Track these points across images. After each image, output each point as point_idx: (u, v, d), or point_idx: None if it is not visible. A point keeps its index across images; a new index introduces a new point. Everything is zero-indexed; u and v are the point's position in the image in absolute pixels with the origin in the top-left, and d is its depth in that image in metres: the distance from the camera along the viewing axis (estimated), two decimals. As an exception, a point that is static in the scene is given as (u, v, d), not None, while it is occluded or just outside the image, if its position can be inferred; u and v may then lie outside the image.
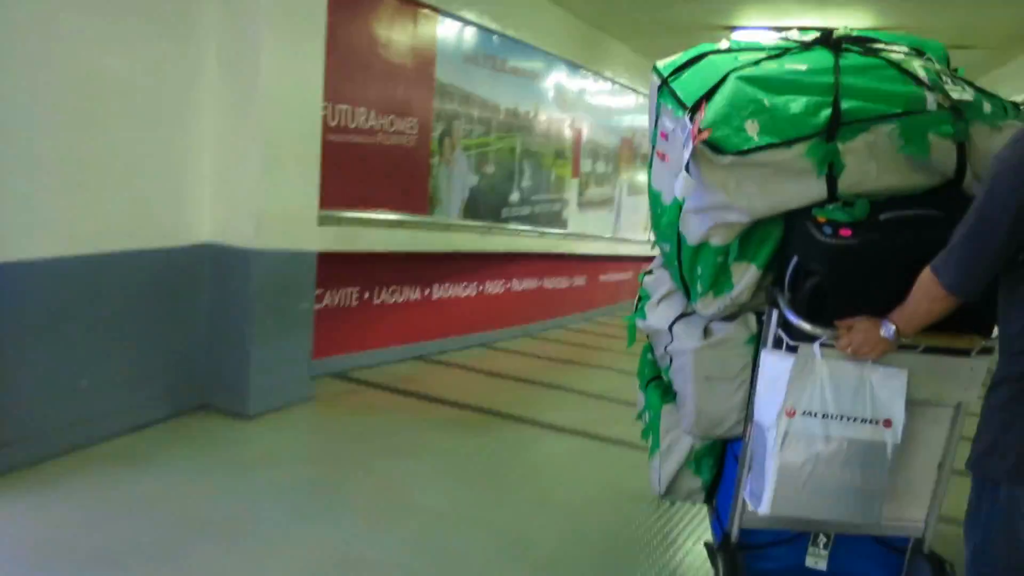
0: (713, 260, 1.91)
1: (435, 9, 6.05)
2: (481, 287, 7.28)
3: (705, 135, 1.68)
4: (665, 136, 2.00)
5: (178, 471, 3.54)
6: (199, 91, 4.19)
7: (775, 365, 1.85)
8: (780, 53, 1.92)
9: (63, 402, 3.57)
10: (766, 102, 1.73)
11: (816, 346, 1.79)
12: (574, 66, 8.66)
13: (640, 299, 2.46)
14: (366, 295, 5.78)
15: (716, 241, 1.87)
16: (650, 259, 2.60)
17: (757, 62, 1.87)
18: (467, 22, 6.49)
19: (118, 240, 3.82)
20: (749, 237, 1.87)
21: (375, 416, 4.75)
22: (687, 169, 1.71)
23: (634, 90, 10.94)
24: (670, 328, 2.18)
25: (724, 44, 2.04)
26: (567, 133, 8.70)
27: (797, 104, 1.73)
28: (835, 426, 1.80)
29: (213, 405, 4.41)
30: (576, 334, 8.90)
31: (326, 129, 4.82)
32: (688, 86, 1.91)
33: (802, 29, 2.05)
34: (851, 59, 1.85)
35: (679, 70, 2.01)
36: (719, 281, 1.94)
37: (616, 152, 10.53)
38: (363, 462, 3.88)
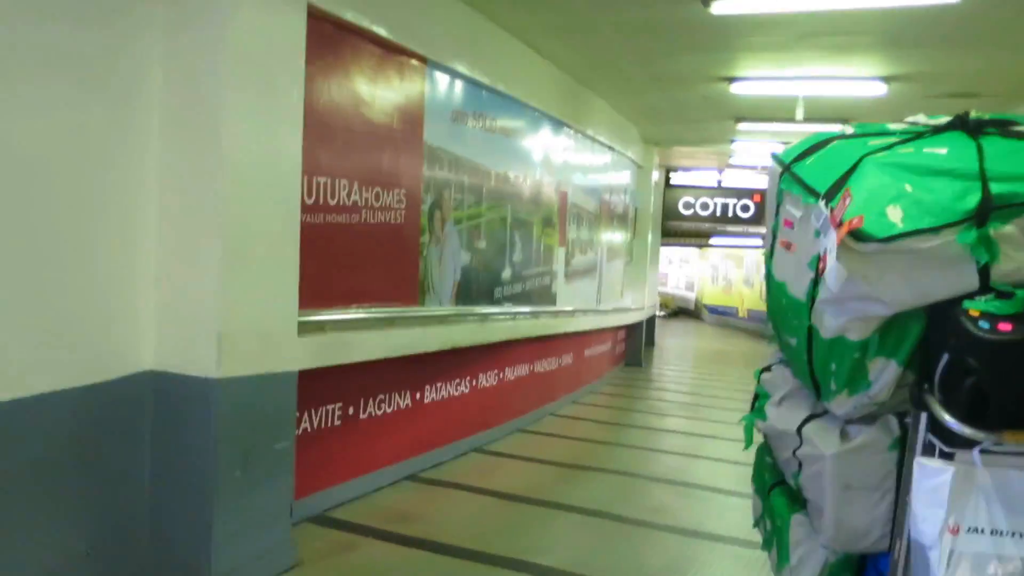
0: (849, 356, 1.75)
1: (423, 59, 5.01)
2: (474, 382, 6.15)
3: (857, 223, 1.55)
4: (791, 225, 1.87)
5: None
6: (138, 166, 3.04)
7: (930, 475, 1.67)
8: (912, 137, 1.77)
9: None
10: (908, 187, 1.60)
11: (976, 453, 1.61)
12: (559, 123, 7.73)
13: (757, 398, 2.25)
14: (351, 410, 4.58)
15: (853, 335, 1.72)
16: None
17: (890, 146, 1.73)
18: (456, 74, 5.47)
19: (19, 380, 2.61)
20: (888, 331, 1.71)
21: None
22: (835, 258, 1.60)
23: (611, 148, 10.10)
24: (799, 430, 1.96)
25: (849, 129, 1.91)
26: (554, 197, 7.72)
27: (943, 188, 1.59)
28: (1009, 544, 1.61)
29: (162, 596, 3.16)
30: (569, 422, 7.83)
31: (302, 208, 3.68)
32: (816, 172, 1.81)
33: (930, 115, 1.90)
34: (993, 142, 1.71)
35: (802, 157, 1.90)
36: (855, 379, 1.77)
37: (597, 215, 9.62)
38: None
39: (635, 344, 13.12)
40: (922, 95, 7.89)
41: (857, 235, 1.56)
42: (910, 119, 1.92)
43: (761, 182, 17.48)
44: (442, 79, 5.33)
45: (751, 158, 14.87)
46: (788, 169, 1.91)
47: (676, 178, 17.52)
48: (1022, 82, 7.47)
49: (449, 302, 5.55)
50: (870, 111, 8.85)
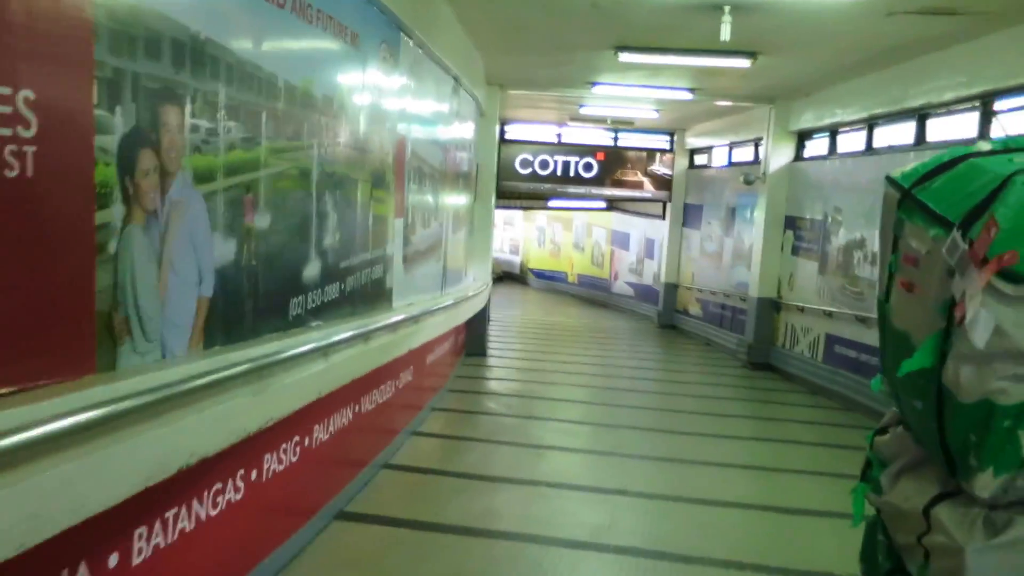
0: (996, 425, 1.34)
1: None
2: (253, 474, 3.20)
3: (1009, 259, 1.24)
4: (913, 262, 1.47)
5: None
6: None
7: None
8: None
9: None
10: None
11: None
12: (396, 26, 4.79)
13: (869, 465, 1.77)
14: None
15: (1003, 399, 1.32)
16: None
17: None
18: None
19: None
20: None
21: None
22: (978, 304, 1.28)
23: (458, 81, 7.26)
24: (926, 512, 1.52)
25: (984, 146, 1.53)
26: (387, 145, 4.81)
27: None
28: None
29: None
30: (414, 488, 5.06)
31: None
32: (946, 197, 1.42)
33: None
34: None
35: (925, 179, 1.49)
36: (1004, 454, 1.35)
37: (442, 172, 6.79)
38: None
39: (478, 329, 10.50)
40: (886, 12, 5.72)
41: (1009, 275, 1.26)
42: None
43: (605, 139, 15.40)
44: None
45: (604, 110, 12.53)
46: (908, 195, 1.52)
47: (512, 131, 14.94)
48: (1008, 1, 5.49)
49: (186, 347, 2.56)
50: (822, 32, 6.65)
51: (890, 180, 1.66)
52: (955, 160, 1.54)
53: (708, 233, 13.44)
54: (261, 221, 3.07)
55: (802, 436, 7.17)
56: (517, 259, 26.62)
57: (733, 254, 12.22)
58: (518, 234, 26.72)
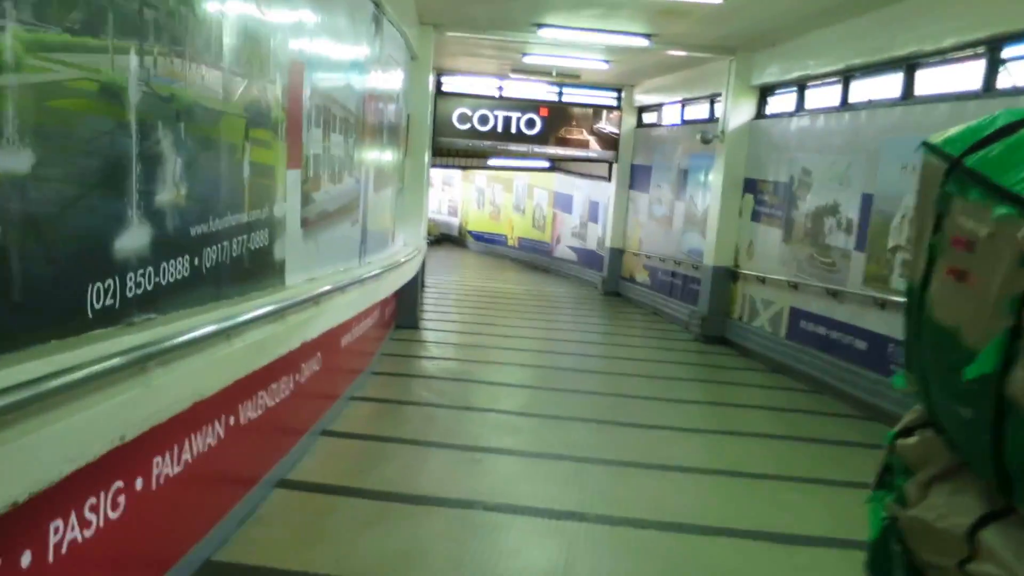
0: None
1: None
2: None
3: None
4: (967, 246, 1.24)
5: None
6: None
7: None
8: None
9: None
10: None
11: None
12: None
13: (888, 470, 1.54)
14: None
15: None
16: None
17: None
18: None
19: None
20: None
21: None
22: None
23: (380, 9, 5.97)
24: (971, 534, 1.27)
25: None
26: (273, 68, 3.54)
27: None
28: None
29: None
30: (314, 518, 3.91)
31: None
32: (1012, 168, 1.18)
33: None
34: None
35: (979, 146, 1.26)
36: None
37: (360, 120, 5.51)
38: None
39: (410, 298, 9.30)
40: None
41: None
42: None
43: (549, 93, 14.13)
44: None
45: (549, 60, 11.30)
46: (958, 164, 1.31)
47: (449, 83, 13.58)
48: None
49: None
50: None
51: (930, 147, 1.41)
52: (1017, 124, 1.28)
53: (657, 196, 12.44)
54: (10, 160, 1.82)
55: (771, 428, 6.26)
56: (456, 221, 25.33)
57: (685, 219, 11.25)
58: (457, 195, 25.39)
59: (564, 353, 8.80)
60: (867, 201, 6.87)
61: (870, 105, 7.11)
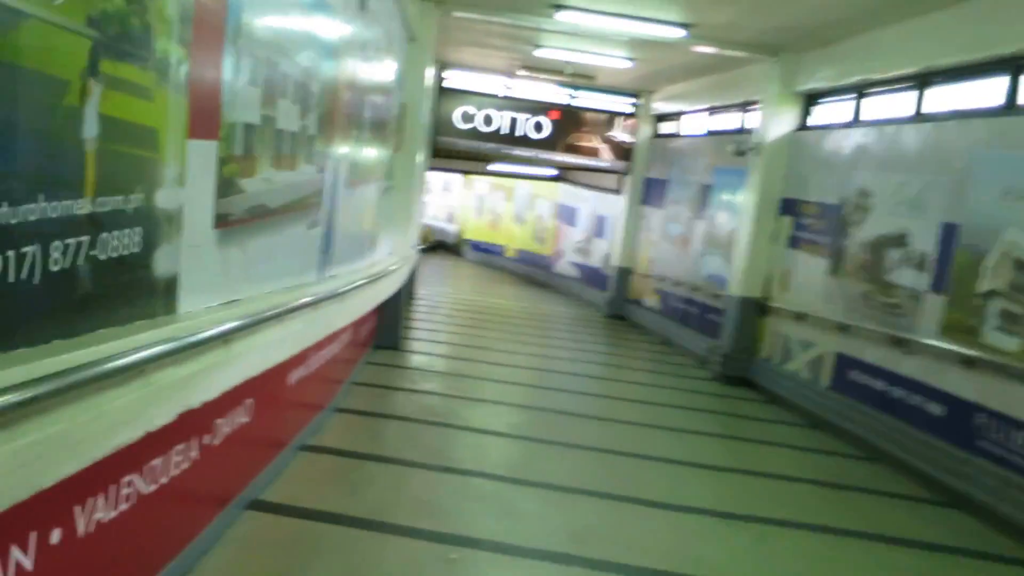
0: None
1: None
2: None
3: None
4: None
5: None
6: None
7: None
8: None
9: None
10: None
11: None
12: None
13: None
14: None
15: None
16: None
17: None
18: None
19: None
20: None
21: None
22: None
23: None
24: None
25: None
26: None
27: None
28: None
29: None
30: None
31: None
32: None
33: None
34: None
35: None
36: None
37: (331, 93, 4.17)
38: None
39: (393, 314, 7.96)
40: None
41: None
42: None
43: (559, 95, 12.76)
44: None
45: (564, 54, 9.98)
46: None
47: (453, 79, 12.26)
48: None
49: None
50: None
51: None
52: None
53: (674, 213, 11.13)
54: None
55: (825, 513, 4.91)
56: (453, 228, 23.96)
57: (705, 240, 9.93)
58: (455, 201, 24.04)
59: (564, 390, 7.45)
60: (949, 232, 5.56)
61: (956, 115, 5.81)
